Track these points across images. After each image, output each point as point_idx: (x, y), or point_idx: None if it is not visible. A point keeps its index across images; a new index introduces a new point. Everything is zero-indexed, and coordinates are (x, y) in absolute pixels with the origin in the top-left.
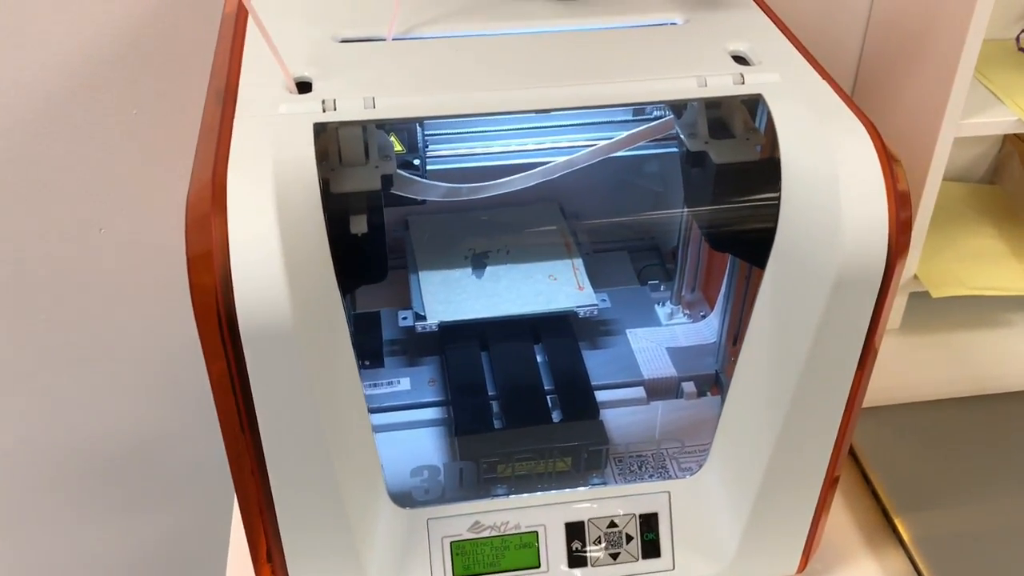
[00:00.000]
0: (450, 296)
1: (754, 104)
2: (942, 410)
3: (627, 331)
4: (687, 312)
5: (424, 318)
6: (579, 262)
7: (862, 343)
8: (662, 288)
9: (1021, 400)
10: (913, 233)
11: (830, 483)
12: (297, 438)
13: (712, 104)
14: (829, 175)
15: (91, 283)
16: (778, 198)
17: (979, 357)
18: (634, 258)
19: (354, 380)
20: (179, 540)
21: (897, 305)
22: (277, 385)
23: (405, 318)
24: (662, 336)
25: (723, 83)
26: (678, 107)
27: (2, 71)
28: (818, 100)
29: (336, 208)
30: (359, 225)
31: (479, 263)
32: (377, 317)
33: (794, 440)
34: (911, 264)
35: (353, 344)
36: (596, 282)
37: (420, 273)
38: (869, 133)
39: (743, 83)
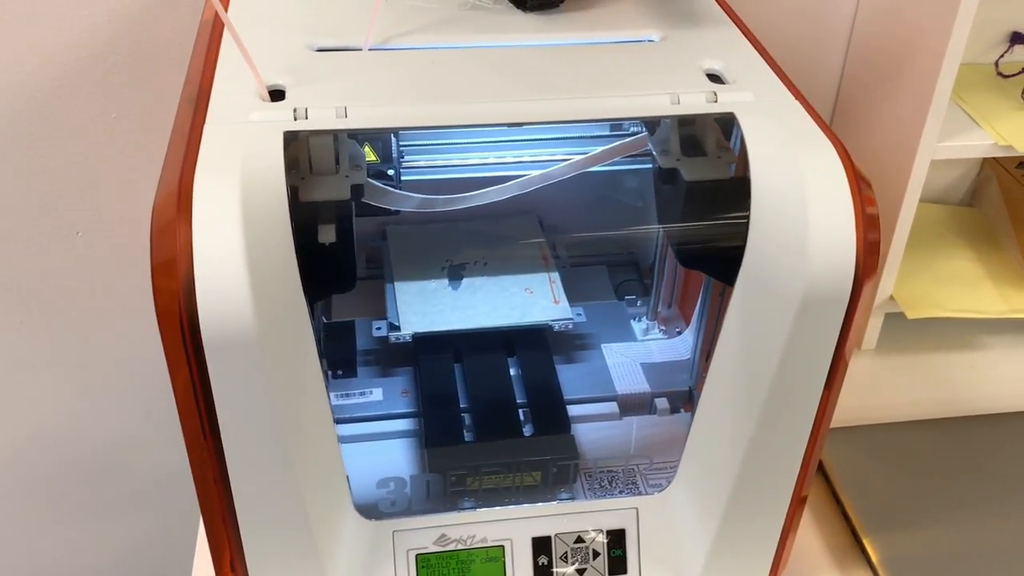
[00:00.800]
0: (425, 307)
1: (729, 123)
2: (915, 431)
3: (602, 346)
4: (663, 328)
5: (398, 328)
6: (556, 276)
7: (829, 362)
8: (639, 304)
9: (994, 423)
10: (889, 254)
11: (797, 502)
12: (260, 448)
13: (685, 122)
14: (798, 195)
15: (66, 287)
16: (747, 217)
17: (954, 379)
18: (612, 273)
19: (320, 391)
20: (147, 546)
21: (873, 326)
22: (240, 394)
23: (379, 328)
24: (637, 351)
25: (696, 101)
26: (652, 124)
27: None
28: (790, 120)
29: (304, 217)
30: (327, 234)
31: (456, 275)
32: (351, 327)
33: (761, 458)
34: (887, 285)
35: (326, 353)
36: (573, 296)
37: (396, 283)
38: (839, 154)
39: (716, 101)
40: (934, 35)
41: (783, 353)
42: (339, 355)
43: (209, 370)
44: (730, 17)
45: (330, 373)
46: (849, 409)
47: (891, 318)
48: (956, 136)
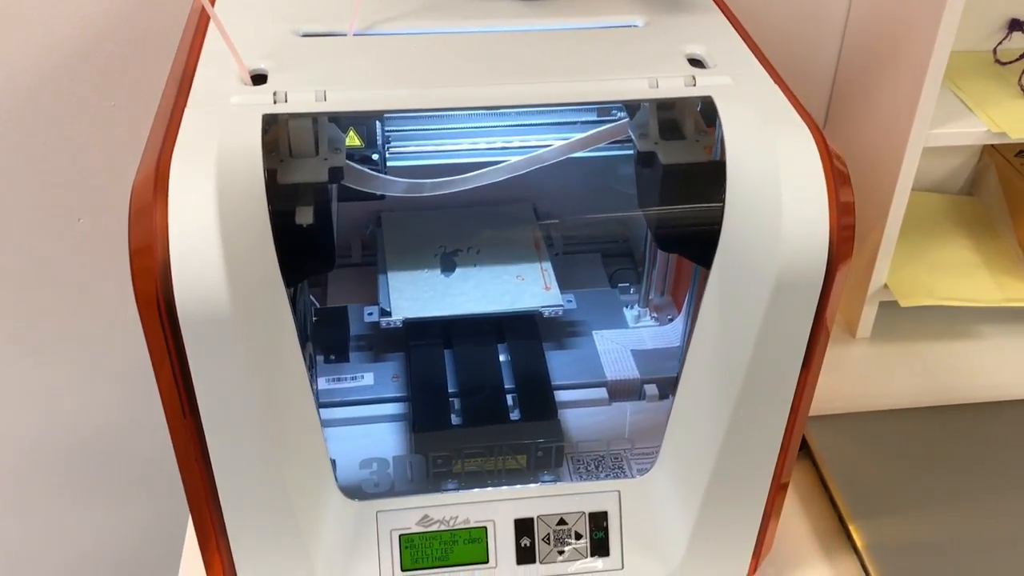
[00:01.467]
0: (417, 293)
1: (711, 108)
2: (906, 419)
3: (593, 332)
4: (655, 315)
5: (389, 314)
6: (548, 264)
7: (805, 346)
8: (632, 291)
9: (987, 411)
10: (882, 242)
11: (778, 488)
12: (239, 426)
13: (665, 106)
14: (772, 178)
15: (68, 273)
16: (723, 199)
17: (948, 368)
18: (607, 261)
19: (300, 370)
20: (151, 530)
21: (867, 314)
22: (218, 372)
23: (371, 314)
24: (628, 338)
25: (674, 84)
26: (632, 108)
27: None
28: (767, 104)
29: (281, 198)
30: (304, 216)
31: (448, 262)
32: (344, 312)
33: (739, 442)
34: (880, 273)
35: (319, 339)
36: (567, 283)
37: (389, 270)
38: (815, 138)
39: (695, 85)
40: (926, 21)
41: (758, 336)
42: (331, 340)
43: (186, 348)
44: (716, 3)
45: (322, 358)
46: (842, 397)
47: (886, 307)
48: (949, 123)
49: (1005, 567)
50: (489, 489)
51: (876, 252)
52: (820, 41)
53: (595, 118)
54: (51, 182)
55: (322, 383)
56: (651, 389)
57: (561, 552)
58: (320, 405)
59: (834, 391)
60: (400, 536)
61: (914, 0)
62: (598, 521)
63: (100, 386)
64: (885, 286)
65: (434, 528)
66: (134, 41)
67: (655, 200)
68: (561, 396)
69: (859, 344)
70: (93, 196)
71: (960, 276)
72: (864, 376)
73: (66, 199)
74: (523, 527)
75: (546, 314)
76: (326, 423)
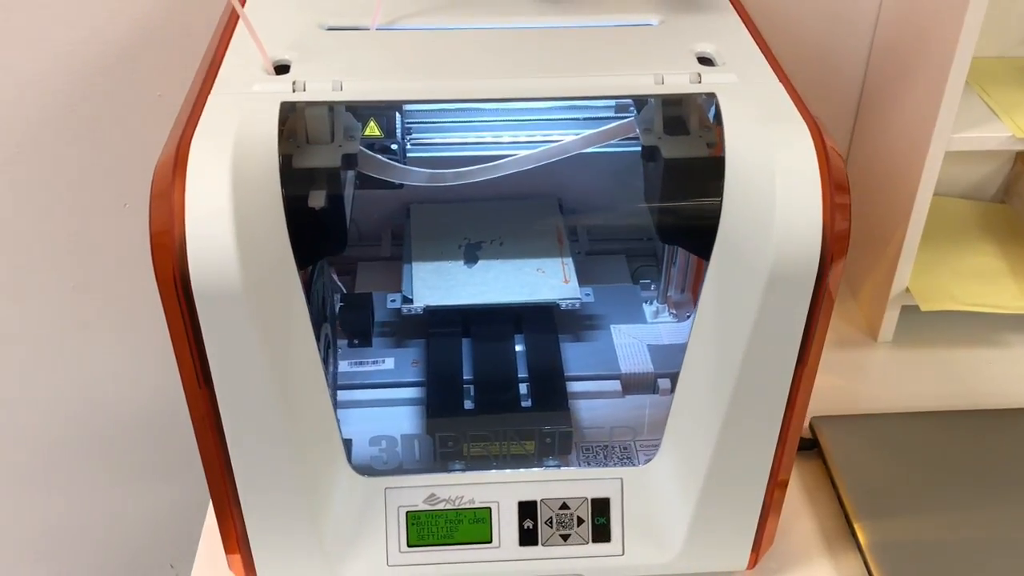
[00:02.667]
0: (439, 282)
1: (717, 104)
2: (920, 423)
3: (611, 327)
4: (673, 311)
5: (411, 301)
6: (568, 258)
7: (799, 341)
8: (652, 288)
9: (1003, 418)
10: (904, 246)
11: (776, 483)
12: (251, 397)
13: (671, 102)
14: (768, 173)
15: (114, 255)
16: (721, 193)
17: (967, 374)
18: (631, 257)
19: (311, 347)
20: (171, 510)
21: (889, 318)
22: (230, 344)
23: (394, 300)
24: (645, 333)
25: (680, 81)
26: (640, 103)
27: (40, 53)
28: (769, 101)
29: (295, 182)
30: (317, 199)
31: (471, 253)
32: (368, 298)
33: (736, 435)
34: (903, 277)
35: (343, 322)
36: (588, 278)
37: (414, 259)
38: (812, 136)
39: (700, 82)
40: (950, 24)
41: (753, 329)
42: (355, 325)
43: (200, 322)
44: (732, 4)
45: (347, 342)
46: (860, 399)
47: (909, 311)
48: (974, 127)
49: (1008, 573)
50: (495, 471)
51: (899, 256)
52: (849, 46)
53: (611, 114)
54: (100, 169)
55: (345, 366)
56: (664, 383)
57: (564, 536)
58: (341, 387)
59: (852, 393)
60: (407, 513)
61: (939, 3)
62: (600, 507)
63: (141, 368)
64: (907, 290)
65: (440, 507)
66: (180, 36)
67: (657, 193)
68: (575, 387)
69: (880, 348)
70: (138, 182)
71: (985, 282)
72: (883, 379)
73: (113, 185)
74: (526, 509)
75: (563, 306)
76: (347, 404)
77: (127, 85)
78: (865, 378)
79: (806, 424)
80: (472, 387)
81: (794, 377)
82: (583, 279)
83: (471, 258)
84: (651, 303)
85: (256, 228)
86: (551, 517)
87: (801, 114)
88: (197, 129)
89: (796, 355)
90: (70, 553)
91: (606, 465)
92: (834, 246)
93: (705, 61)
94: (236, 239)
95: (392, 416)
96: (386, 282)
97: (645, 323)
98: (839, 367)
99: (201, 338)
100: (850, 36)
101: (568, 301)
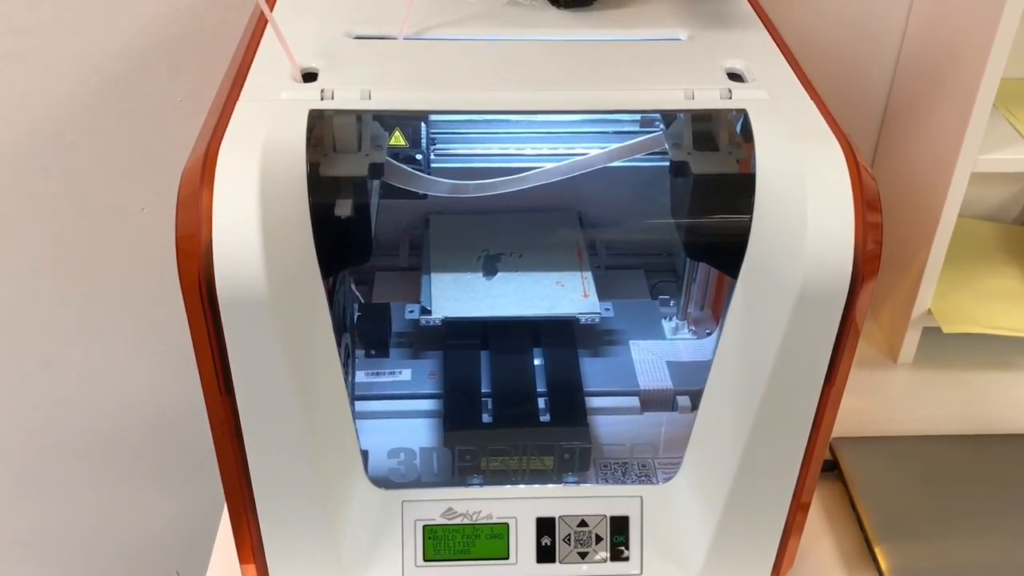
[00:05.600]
0: (458, 294)
1: (748, 121)
2: (942, 446)
3: (630, 342)
4: (693, 328)
5: (429, 312)
6: (588, 272)
7: (827, 362)
8: (672, 304)
9: (1021, 442)
10: (927, 267)
11: (799, 505)
12: (271, 405)
13: (701, 117)
14: (799, 192)
15: (131, 259)
16: (751, 211)
17: (988, 397)
18: (650, 273)
19: (332, 356)
20: (187, 515)
21: (910, 340)
22: (252, 351)
23: (412, 311)
24: (664, 350)
25: (710, 96)
26: (669, 118)
27: (59, 60)
28: (800, 118)
29: (322, 190)
30: (344, 208)
31: (490, 265)
32: (387, 309)
33: (760, 455)
34: (925, 298)
35: (361, 332)
36: (608, 293)
37: (433, 270)
38: (845, 154)
39: (730, 98)
40: (978, 44)
41: (780, 349)
42: (373, 335)
43: (224, 329)
44: (761, 20)
45: (364, 352)
46: (880, 421)
47: (931, 333)
48: (1000, 149)
49: None
50: (513, 487)
51: (921, 277)
52: (875, 63)
53: (636, 129)
54: (119, 173)
55: (362, 376)
56: (683, 400)
57: (582, 554)
58: (358, 398)
59: (872, 414)
60: (424, 527)
61: (967, 23)
62: (619, 525)
63: (153, 373)
64: (929, 312)
65: (457, 521)
66: (201, 41)
67: (685, 209)
68: (593, 403)
69: (901, 369)
70: (157, 187)
71: (1007, 305)
72: (903, 401)
73: (132, 189)
74: (544, 526)
75: (582, 320)
76: (363, 415)
77: (147, 90)
78: (885, 399)
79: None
80: (490, 400)
81: (820, 398)
82: (602, 294)
83: (490, 270)
84: (670, 319)
85: (283, 236)
86: (569, 534)
87: (833, 132)
88: (225, 135)
89: (823, 376)
90: (76, 559)
91: (624, 483)
92: (865, 266)
93: (735, 77)
94: (263, 246)
95: (409, 428)
96: (404, 292)
97: (664, 339)
98: (859, 388)
99: (224, 345)
100: (876, 53)
101: (587, 316)
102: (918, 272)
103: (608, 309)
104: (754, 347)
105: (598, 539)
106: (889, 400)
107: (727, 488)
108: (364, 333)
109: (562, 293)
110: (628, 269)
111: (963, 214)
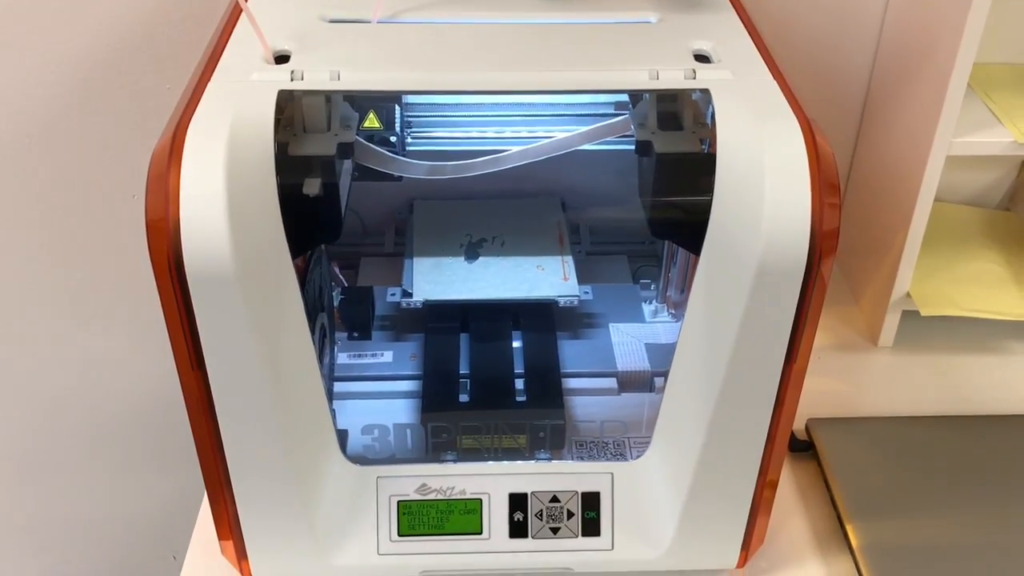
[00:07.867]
0: (439, 277)
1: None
2: (918, 427)
3: (609, 325)
4: (672, 311)
5: (411, 295)
6: (569, 256)
7: (787, 339)
8: (652, 288)
9: (1000, 424)
10: (905, 250)
11: (766, 483)
12: (242, 380)
13: (665, 97)
14: (757, 169)
15: (121, 246)
16: (712, 189)
17: (967, 380)
18: (632, 258)
19: (304, 334)
20: (170, 500)
21: (889, 323)
22: (222, 327)
23: (393, 294)
24: (643, 332)
25: (674, 77)
26: (635, 99)
27: (49, 47)
28: (762, 98)
29: (289, 169)
30: (312, 187)
31: (473, 250)
32: (369, 292)
33: (725, 433)
34: (903, 281)
35: (343, 315)
36: (589, 277)
37: (415, 254)
38: (803, 132)
39: (694, 78)
40: (952, 28)
41: (740, 325)
42: (355, 318)
43: (194, 305)
44: (732, 3)
45: (347, 334)
46: (858, 403)
47: (910, 317)
48: (976, 132)
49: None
50: (487, 463)
51: (900, 260)
52: (854, 50)
53: (610, 112)
54: (109, 161)
55: (344, 358)
56: (660, 382)
57: (554, 529)
58: (341, 379)
59: (851, 397)
60: (399, 502)
61: (942, 8)
62: (590, 501)
63: (147, 360)
64: (908, 295)
65: (431, 497)
66: (189, 28)
67: (649, 188)
68: (571, 384)
69: (880, 352)
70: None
71: (986, 289)
72: (882, 384)
73: (121, 177)
74: (517, 502)
75: (561, 303)
76: (346, 396)
77: (136, 77)
78: (864, 382)
79: (802, 426)
80: (468, 381)
81: (782, 375)
82: (585, 278)
83: (472, 255)
84: (650, 303)
85: (250, 213)
86: (541, 510)
87: (794, 111)
88: (194, 116)
89: (784, 352)
90: (72, 545)
91: (599, 461)
92: (823, 243)
93: (701, 58)
94: (229, 223)
95: (389, 408)
96: (388, 277)
97: (643, 322)
98: (839, 371)
99: (194, 320)
100: (857, 37)
101: (566, 298)
102: (897, 255)
103: (588, 293)
104: (716, 323)
105: (569, 514)
106: (868, 382)
107: (694, 465)
108: (347, 315)
109: (542, 277)
110: (612, 255)
111: (945, 199)
